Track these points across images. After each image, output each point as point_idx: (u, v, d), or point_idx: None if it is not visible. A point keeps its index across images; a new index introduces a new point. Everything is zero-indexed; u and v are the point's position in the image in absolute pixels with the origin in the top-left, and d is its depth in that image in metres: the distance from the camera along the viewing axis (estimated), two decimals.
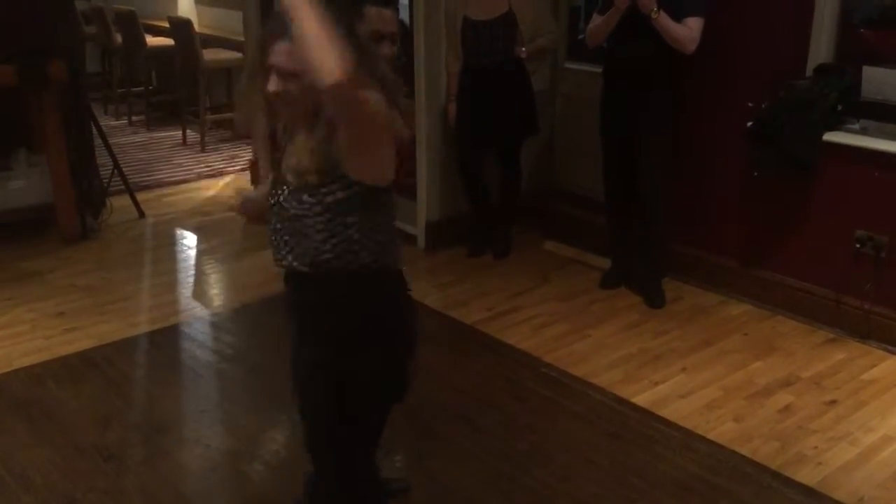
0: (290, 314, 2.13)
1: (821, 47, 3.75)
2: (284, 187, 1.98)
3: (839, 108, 3.67)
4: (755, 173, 3.88)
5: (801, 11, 3.76)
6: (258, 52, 1.91)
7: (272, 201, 2.01)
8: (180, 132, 7.40)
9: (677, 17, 3.72)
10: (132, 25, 7.44)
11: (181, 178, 6.37)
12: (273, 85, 1.88)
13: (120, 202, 5.44)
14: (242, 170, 6.45)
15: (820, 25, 3.72)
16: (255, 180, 6.04)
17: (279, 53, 1.85)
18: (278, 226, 2.00)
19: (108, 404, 3.35)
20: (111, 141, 5.55)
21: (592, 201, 4.59)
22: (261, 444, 3.10)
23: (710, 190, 4.24)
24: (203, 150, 7.04)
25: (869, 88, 3.63)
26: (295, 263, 2.00)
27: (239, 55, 6.82)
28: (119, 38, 7.72)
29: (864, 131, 3.68)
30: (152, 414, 3.30)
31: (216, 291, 4.51)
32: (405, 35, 4.84)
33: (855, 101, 3.66)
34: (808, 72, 3.77)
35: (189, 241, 5.20)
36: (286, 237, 1.99)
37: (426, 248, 4.84)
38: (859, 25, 3.81)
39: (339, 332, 2.01)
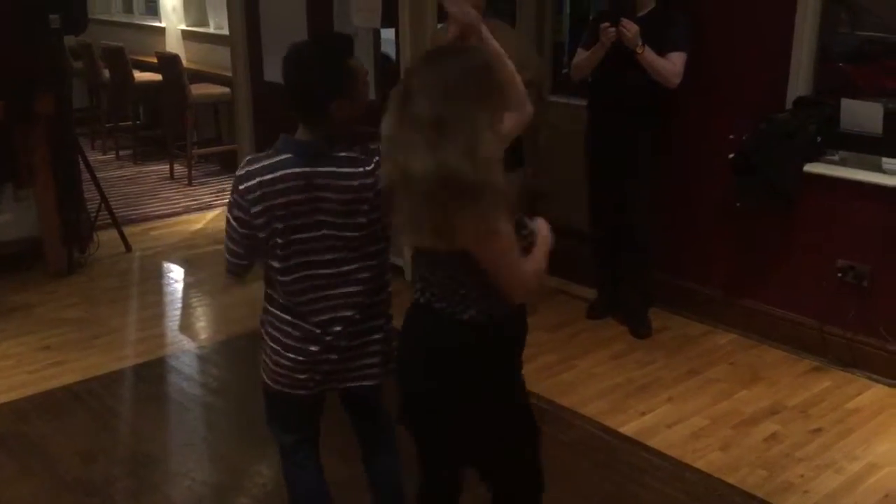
0: None
1: (800, 81, 3.82)
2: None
3: (819, 139, 3.73)
4: (738, 204, 3.92)
5: (780, 46, 3.83)
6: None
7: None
8: (167, 166, 7.41)
9: (661, 51, 3.79)
10: (120, 61, 7.49)
11: (168, 211, 6.37)
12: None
13: (107, 236, 5.44)
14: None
15: (799, 59, 3.80)
16: None
17: None
18: None
19: (93, 438, 3.33)
20: (98, 175, 5.55)
21: (578, 232, 4.61)
22: (247, 478, 3.09)
23: (694, 221, 4.29)
24: (190, 184, 7.06)
25: (847, 120, 3.69)
26: None
27: (226, 90, 6.87)
28: (107, 74, 7.76)
29: (843, 162, 3.74)
30: (138, 448, 3.28)
31: (203, 324, 4.50)
32: (392, 71, 4.90)
33: (834, 133, 3.72)
34: (788, 104, 3.84)
35: (176, 274, 5.20)
36: None
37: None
38: (837, 59, 3.89)
39: None
